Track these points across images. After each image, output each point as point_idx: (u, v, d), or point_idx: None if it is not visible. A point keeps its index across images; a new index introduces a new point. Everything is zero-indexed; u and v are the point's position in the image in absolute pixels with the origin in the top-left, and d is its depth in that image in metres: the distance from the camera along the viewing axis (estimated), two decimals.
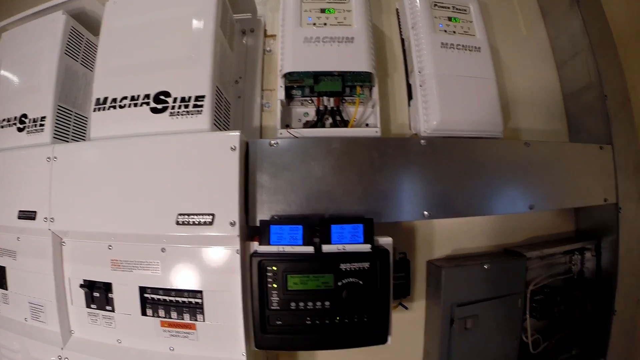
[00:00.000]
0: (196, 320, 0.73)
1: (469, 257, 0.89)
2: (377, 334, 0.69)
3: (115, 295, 0.76)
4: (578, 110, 1.03)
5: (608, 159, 0.93)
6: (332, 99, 0.81)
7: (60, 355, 0.79)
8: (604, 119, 0.95)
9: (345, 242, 0.68)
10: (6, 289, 0.87)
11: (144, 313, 0.75)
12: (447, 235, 0.90)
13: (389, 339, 0.71)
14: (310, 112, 0.83)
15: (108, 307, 0.77)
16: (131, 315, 0.76)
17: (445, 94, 0.79)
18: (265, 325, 0.69)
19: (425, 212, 0.72)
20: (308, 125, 0.82)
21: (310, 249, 0.68)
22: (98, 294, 0.77)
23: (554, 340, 0.97)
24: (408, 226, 0.87)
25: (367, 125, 0.81)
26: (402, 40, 0.90)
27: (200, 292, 0.72)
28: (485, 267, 0.81)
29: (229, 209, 0.68)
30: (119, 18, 0.82)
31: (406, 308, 0.83)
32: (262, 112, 0.90)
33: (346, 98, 0.82)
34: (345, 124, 0.80)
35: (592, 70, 0.96)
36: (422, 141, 0.73)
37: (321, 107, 0.81)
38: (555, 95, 1.06)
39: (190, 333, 0.74)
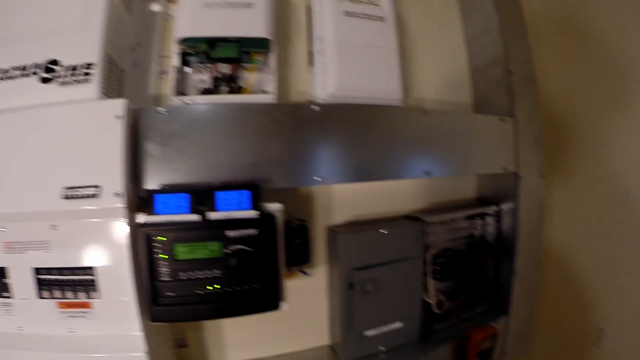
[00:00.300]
0: (91, 298, 0.69)
1: (368, 223, 0.90)
2: (269, 300, 0.69)
3: (11, 279, 0.70)
4: (484, 85, 1.06)
5: (509, 130, 0.97)
6: (228, 66, 0.78)
7: None
8: (508, 94, 0.98)
9: (232, 209, 0.66)
10: None
11: (40, 296, 0.70)
12: (347, 201, 0.90)
13: (283, 305, 0.71)
14: (207, 79, 0.80)
15: (5, 294, 0.71)
16: (29, 299, 0.70)
17: (344, 61, 0.78)
18: (157, 297, 0.66)
19: (316, 178, 0.71)
20: (204, 92, 0.79)
21: (196, 217, 0.66)
22: None
23: (458, 300, 1.01)
24: (307, 193, 0.87)
25: (264, 92, 0.79)
26: (308, 8, 0.88)
27: (93, 268, 0.68)
28: (383, 232, 0.82)
29: (114, 180, 0.64)
30: None
31: (307, 274, 0.83)
32: (158, 80, 0.85)
33: (244, 65, 0.79)
34: (241, 90, 0.78)
35: (500, 47, 0.99)
36: (315, 107, 0.72)
37: (217, 74, 0.78)
38: (463, 70, 1.08)
39: (87, 312, 0.70)
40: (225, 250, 0.66)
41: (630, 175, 1.12)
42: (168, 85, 0.79)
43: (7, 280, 0.70)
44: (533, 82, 1.03)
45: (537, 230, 1.05)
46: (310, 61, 0.82)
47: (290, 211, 0.82)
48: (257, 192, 0.67)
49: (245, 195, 0.67)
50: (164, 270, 0.66)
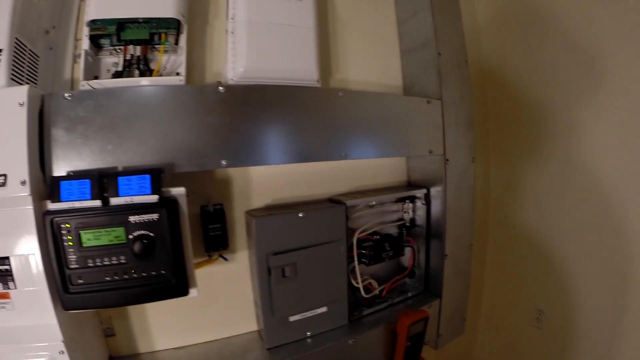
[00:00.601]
0: (9, 288, 0.67)
1: (289, 206, 0.90)
2: (177, 286, 0.68)
3: None
4: (414, 67, 1.06)
5: (436, 113, 0.97)
6: (139, 47, 0.77)
7: None
8: (437, 76, 0.97)
9: (133, 194, 0.66)
10: None
11: None
12: (266, 185, 0.90)
13: (194, 291, 0.71)
14: (119, 61, 0.78)
15: None
16: None
17: (255, 41, 0.77)
18: (67, 285, 0.66)
19: (224, 162, 0.71)
20: (116, 75, 0.77)
21: (98, 203, 0.65)
22: None
23: (389, 284, 1.02)
24: (224, 177, 0.86)
25: (177, 73, 0.77)
26: None
27: (7, 258, 0.67)
28: (300, 215, 0.82)
29: (20, 168, 0.63)
30: None
31: (226, 259, 0.84)
32: (74, 64, 0.83)
33: (156, 46, 0.78)
34: (152, 73, 0.77)
35: (430, 29, 0.99)
36: (221, 88, 0.71)
37: (128, 56, 0.77)
38: (393, 51, 1.08)
39: (6, 303, 0.68)
40: (129, 236, 0.66)
41: (592, 164, 1.13)
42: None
43: None
44: (464, 65, 1.03)
45: (469, 213, 1.06)
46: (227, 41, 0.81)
47: (208, 196, 0.82)
48: (157, 176, 0.66)
49: (145, 179, 0.66)
50: (72, 257, 0.65)
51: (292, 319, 0.86)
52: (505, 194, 1.36)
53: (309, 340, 0.89)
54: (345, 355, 0.89)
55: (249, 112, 0.73)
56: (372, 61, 1.04)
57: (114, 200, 0.66)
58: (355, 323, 0.95)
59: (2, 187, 0.63)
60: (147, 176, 0.66)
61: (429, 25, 0.98)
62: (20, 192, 0.63)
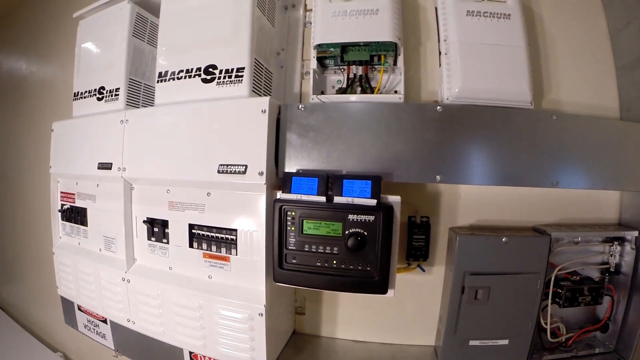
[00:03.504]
0: (230, 254, 0.89)
1: (491, 229, 0.92)
2: (378, 284, 0.78)
3: (170, 230, 0.96)
4: (632, 85, 0.96)
5: None
6: (360, 67, 0.91)
7: (124, 277, 1.02)
8: None
9: (354, 196, 0.78)
10: (87, 226, 1.14)
11: (191, 245, 0.94)
12: (473, 204, 0.95)
13: (391, 292, 0.80)
14: (342, 79, 0.94)
15: (164, 240, 0.97)
16: (181, 247, 0.95)
17: (468, 62, 0.84)
18: (283, 262, 0.82)
19: (438, 177, 0.79)
20: (340, 91, 0.93)
21: (322, 199, 0.79)
22: (157, 229, 0.98)
23: (577, 334, 0.95)
24: (433, 192, 0.94)
25: (395, 92, 0.89)
26: (436, 9, 0.94)
27: (235, 230, 0.88)
28: (504, 240, 0.84)
29: (259, 161, 0.82)
30: (174, 3, 0.98)
31: (423, 270, 0.92)
32: (302, 80, 1.03)
33: (376, 66, 0.91)
34: (372, 90, 0.90)
35: None
36: (438, 107, 0.80)
37: (351, 75, 0.92)
38: (607, 68, 1.01)
39: (225, 264, 0.91)
40: (345, 232, 0.78)
41: None
42: (309, 84, 0.96)
43: (167, 230, 0.96)
44: None
45: None
46: (440, 62, 0.89)
47: (416, 208, 0.92)
48: (377, 182, 0.78)
49: (367, 185, 0.78)
50: (291, 240, 0.82)
51: (472, 343, 0.88)
52: None
53: None
54: None
55: (463, 131, 0.80)
56: (583, 79, 1.00)
57: (337, 199, 0.79)
58: None
59: (243, 175, 0.83)
60: (369, 182, 0.78)
61: None
62: (257, 181, 0.82)
